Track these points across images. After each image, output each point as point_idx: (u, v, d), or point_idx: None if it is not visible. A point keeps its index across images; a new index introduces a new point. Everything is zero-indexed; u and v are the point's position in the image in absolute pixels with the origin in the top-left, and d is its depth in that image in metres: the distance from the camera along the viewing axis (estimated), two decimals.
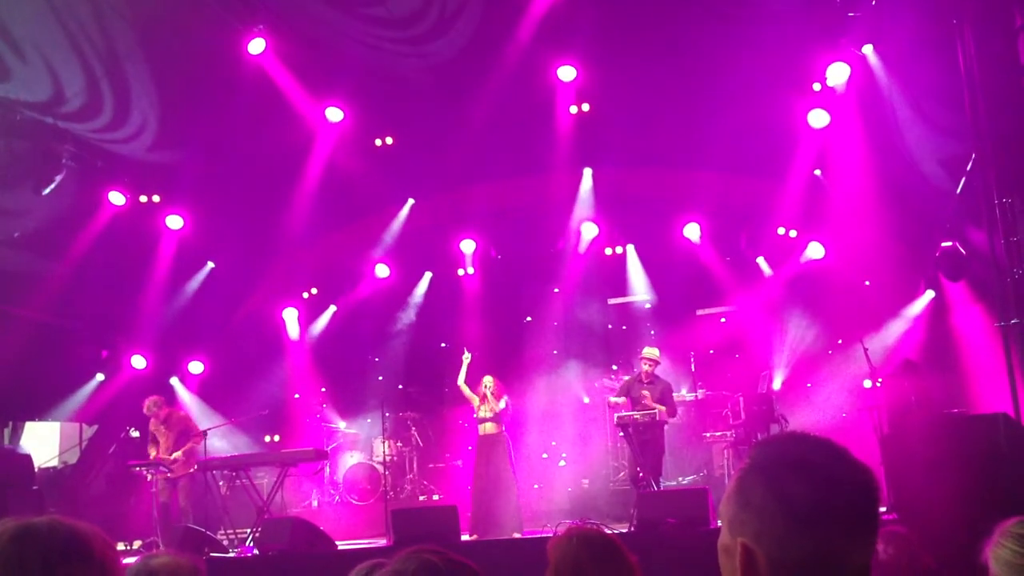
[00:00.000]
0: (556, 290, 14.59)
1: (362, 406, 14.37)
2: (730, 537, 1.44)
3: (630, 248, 14.62)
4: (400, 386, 14.72)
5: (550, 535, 3.38)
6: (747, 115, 11.33)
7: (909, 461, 7.57)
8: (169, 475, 10.98)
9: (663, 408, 10.29)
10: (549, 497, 12.60)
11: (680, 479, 12.27)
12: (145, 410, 11.26)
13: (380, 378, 14.72)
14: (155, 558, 2.94)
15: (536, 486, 12.73)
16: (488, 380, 10.82)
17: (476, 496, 10.62)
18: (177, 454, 10.94)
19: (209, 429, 11.54)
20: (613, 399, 10.99)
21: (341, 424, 14.22)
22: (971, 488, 6.71)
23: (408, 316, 15.12)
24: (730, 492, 1.47)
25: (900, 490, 7.78)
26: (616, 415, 10.63)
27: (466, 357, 11.02)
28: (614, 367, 13.77)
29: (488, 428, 10.74)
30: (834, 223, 12.56)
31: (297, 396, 14.62)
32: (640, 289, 14.53)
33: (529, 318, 14.93)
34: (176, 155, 12.49)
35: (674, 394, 11.24)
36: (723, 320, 14.00)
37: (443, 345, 14.70)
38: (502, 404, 10.70)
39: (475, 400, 10.87)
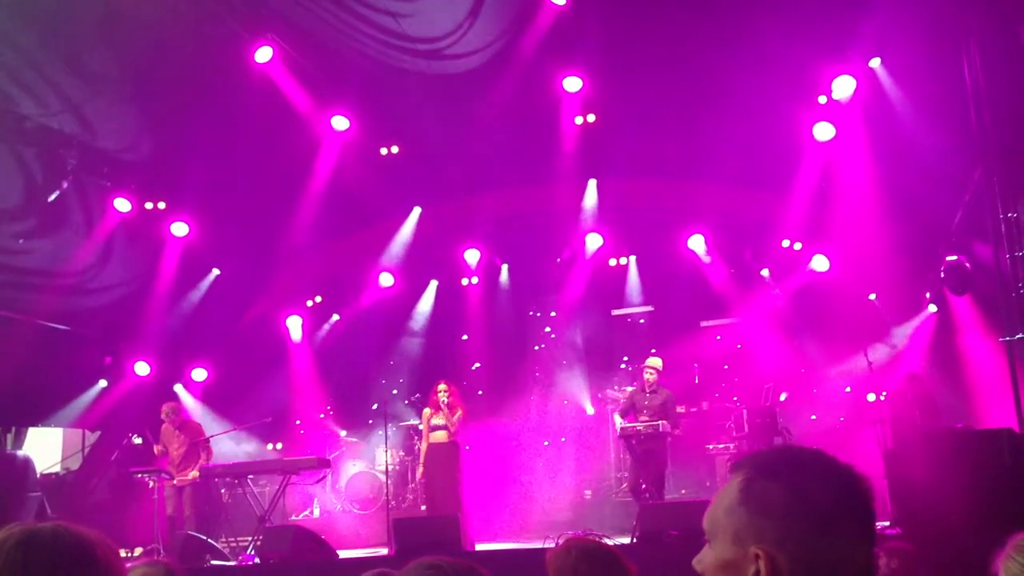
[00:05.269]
0: (559, 301, 14.59)
1: (365, 415, 14.37)
2: (738, 547, 1.44)
3: (634, 259, 14.62)
4: (403, 395, 14.71)
5: (551, 546, 3.36)
6: (753, 127, 11.34)
7: (913, 475, 7.54)
8: (175, 483, 10.99)
9: (666, 421, 10.28)
10: (550, 508, 12.56)
11: (683, 491, 12.24)
12: (162, 415, 11.29)
13: (383, 385, 14.71)
14: (132, 570, 2.97)
15: (549, 493, 12.73)
16: (442, 387, 10.58)
17: (429, 508, 10.50)
18: (195, 473, 10.96)
19: (212, 436, 11.56)
20: (618, 419, 10.95)
21: (343, 432, 14.21)
22: (975, 503, 6.68)
23: (412, 325, 15.12)
24: (734, 503, 1.47)
25: (904, 504, 7.76)
26: (620, 426, 10.63)
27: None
28: (616, 379, 13.75)
29: (439, 436, 10.47)
30: (839, 236, 12.54)
31: (300, 404, 14.61)
32: (644, 300, 14.53)
33: (534, 328, 14.92)
34: (182, 162, 12.50)
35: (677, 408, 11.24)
36: (718, 338, 13.92)
37: (447, 355, 14.69)
38: (458, 415, 10.47)
39: (427, 412, 10.69)
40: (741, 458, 1.54)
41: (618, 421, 11.00)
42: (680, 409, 12.28)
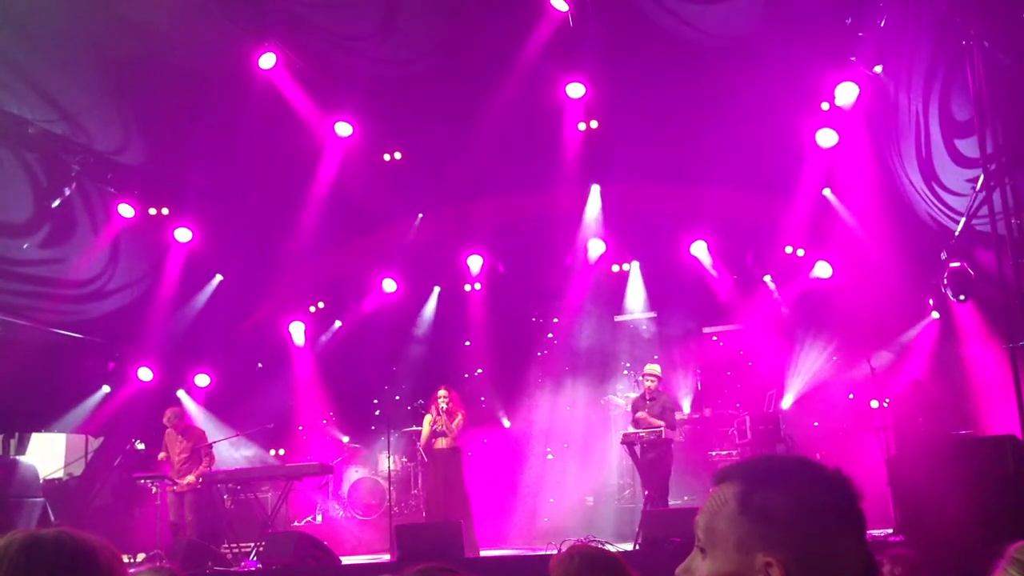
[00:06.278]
0: (561, 307, 14.60)
1: (367, 421, 14.36)
2: (743, 556, 1.43)
3: (636, 265, 14.62)
4: (406, 401, 14.72)
5: (553, 553, 3.36)
6: (755, 133, 11.35)
7: (916, 482, 7.53)
8: (175, 489, 10.99)
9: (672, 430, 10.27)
10: (553, 514, 12.54)
11: (685, 498, 12.21)
12: (165, 420, 11.28)
13: (386, 391, 14.71)
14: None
15: (551, 500, 12.72)
16: (442, 393, 10.60)
17: (428, 515, 10.50)
18: (190, 478, 10.95)
19: (215, 442, 11.56)
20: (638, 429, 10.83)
21: (346, 438, 14.21)
22: (978, 509, 6.67)
23: (415, 331, 15.12)
24: (734, 513, 1.46)
25: (907, 511, 7.75)
26: (623, 432, 10.61)
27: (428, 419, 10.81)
28: (619, 385, 13.74)
29: (441, 443, 10.48)
30: (842, 242, 12.54)
31: (303, 410, 14.60)
32: (646, 306, 14.52)
33: (536, 334, 14.91)
34: (185, 167, 12.52)
35: (678, 414, 11.19)
36: (721, 344, 13.91)
37: (449, 361, 14.68)
38: (457, 421, 10.49)
39: (427, 418, 10.67)
40: (724, 469, 1.54)
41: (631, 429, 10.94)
42: (682, 415, 12.29)
